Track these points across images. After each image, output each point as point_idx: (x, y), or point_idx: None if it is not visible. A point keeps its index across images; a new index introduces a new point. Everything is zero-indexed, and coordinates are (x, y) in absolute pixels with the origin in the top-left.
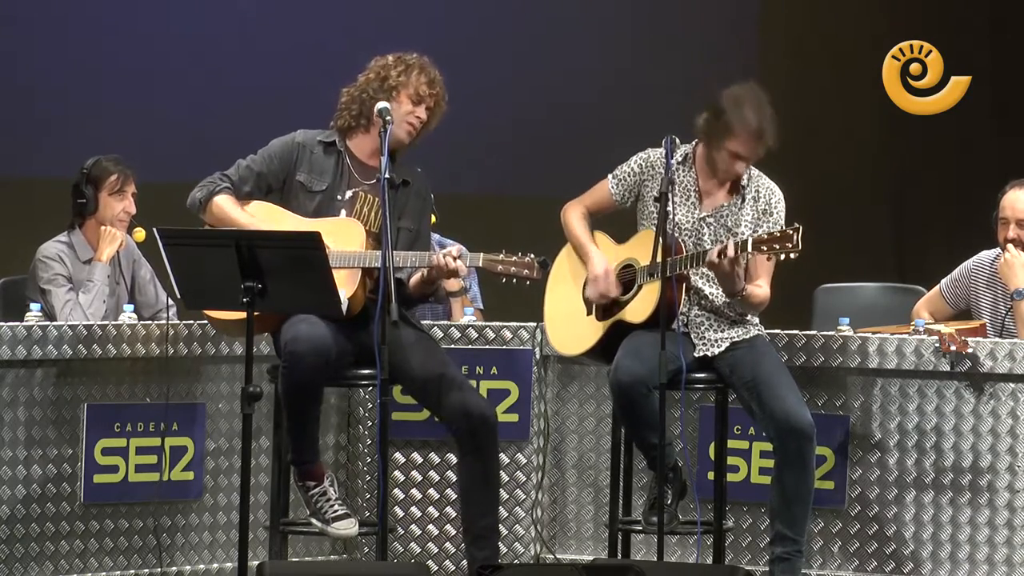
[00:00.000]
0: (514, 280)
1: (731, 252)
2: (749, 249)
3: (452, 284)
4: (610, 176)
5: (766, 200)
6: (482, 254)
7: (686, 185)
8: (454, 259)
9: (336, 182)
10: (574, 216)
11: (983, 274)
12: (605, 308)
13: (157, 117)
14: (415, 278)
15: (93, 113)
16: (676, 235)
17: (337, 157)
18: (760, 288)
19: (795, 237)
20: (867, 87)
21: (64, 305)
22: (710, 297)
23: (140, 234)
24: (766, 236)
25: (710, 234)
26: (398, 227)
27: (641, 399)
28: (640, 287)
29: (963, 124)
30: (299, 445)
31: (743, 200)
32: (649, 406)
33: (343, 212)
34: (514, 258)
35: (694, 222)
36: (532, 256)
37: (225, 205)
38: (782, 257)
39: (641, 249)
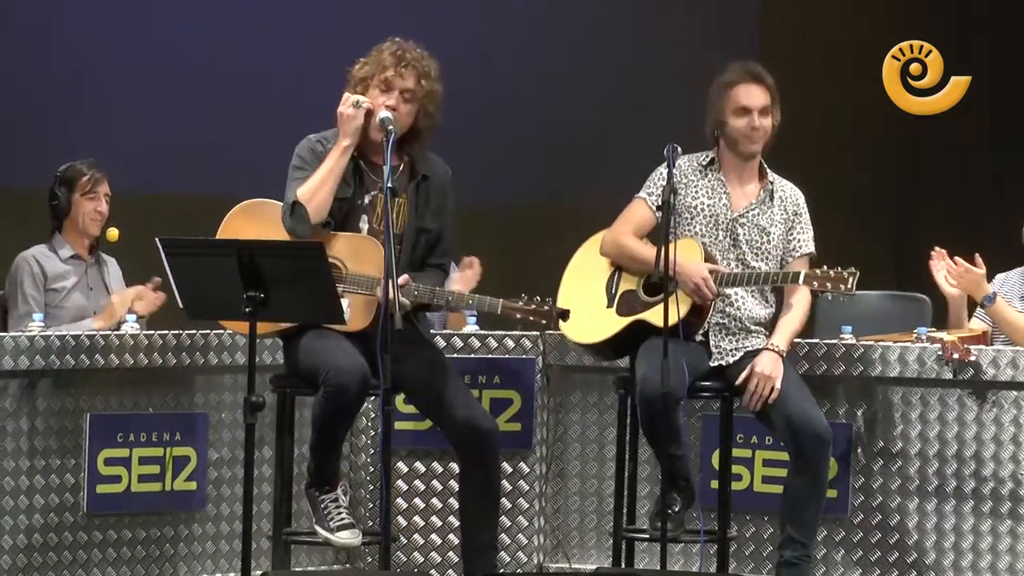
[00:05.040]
0: (520, 322)
1: (760, 391)
2: (800, 282)
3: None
4: (644, 195)
5: (793, 202)
6: (501, 301)
7: (715, 188)
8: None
9: (356, 188)
10: (627, 239)
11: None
12: (628, 304)
13: (152, 130)
14: None
15: (91, 126)
16: (706, 242)
17: (353, 162)
18: (799, 306)
19: (851, 281)
20: (867, 93)
21: (19, 320)
22: (735, 303)
23: (113, 234)
24: (819, 274)
25: (744, 234)
26: (417, 228)
27: (664, 410)
28: (671, 294)
29: (963, 130)
30: (323, 464)
31: (771, 198)
32: (672, 418)
33: (364, 218)
34: (533, 307)
35: (728, 223)
36: (550, 304)
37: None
38: (829, 297)
39: (682, 254)
